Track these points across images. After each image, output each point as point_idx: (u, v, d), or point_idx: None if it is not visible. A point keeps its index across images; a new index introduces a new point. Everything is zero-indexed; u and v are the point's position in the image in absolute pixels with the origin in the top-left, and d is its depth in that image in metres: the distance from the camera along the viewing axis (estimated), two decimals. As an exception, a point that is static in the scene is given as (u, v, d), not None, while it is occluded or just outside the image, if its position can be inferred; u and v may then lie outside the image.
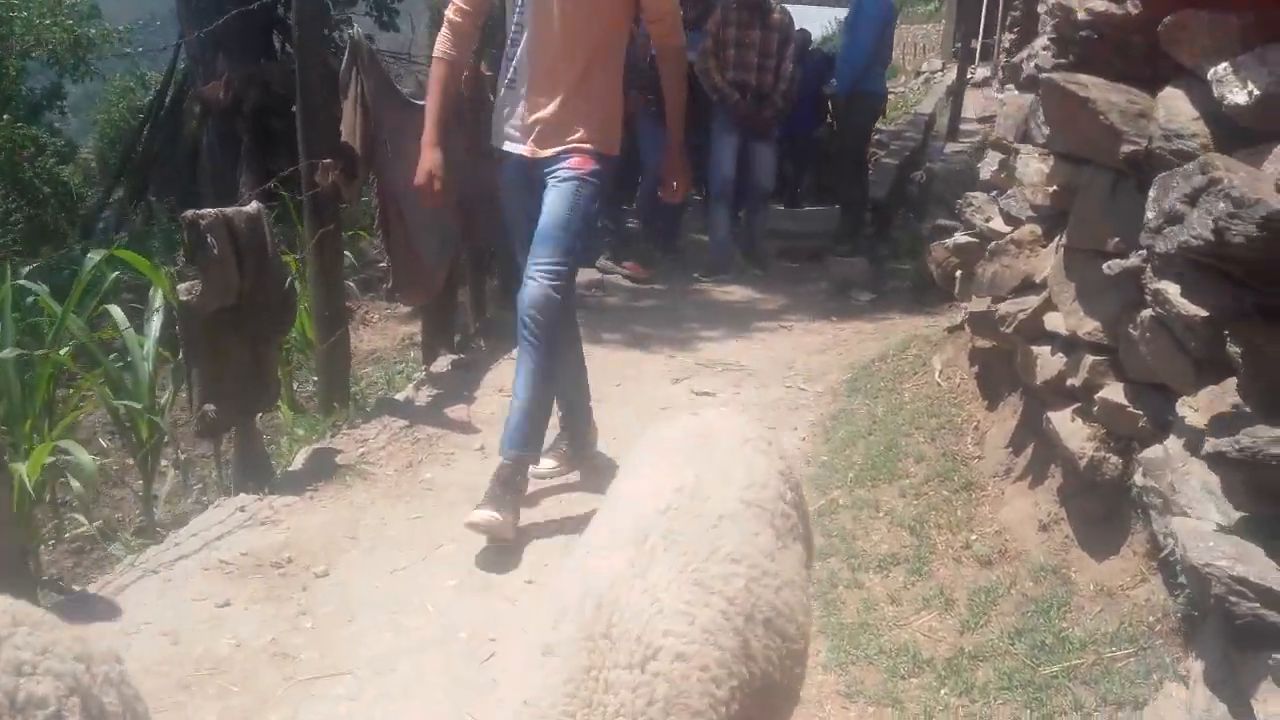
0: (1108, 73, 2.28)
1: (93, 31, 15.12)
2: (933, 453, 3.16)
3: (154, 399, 3.80)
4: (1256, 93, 1.77)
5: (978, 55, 17.46)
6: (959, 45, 18.60)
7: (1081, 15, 2.29)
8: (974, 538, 2.68)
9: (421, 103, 4.26)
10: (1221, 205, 1.27)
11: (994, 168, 3.35)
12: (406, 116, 4.12)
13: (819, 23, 36.32)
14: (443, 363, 4.49)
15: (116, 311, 3.76)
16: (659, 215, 6.52)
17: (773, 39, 6.05)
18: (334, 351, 3.83)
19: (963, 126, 11.95)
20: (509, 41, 3.05)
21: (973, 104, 13.32)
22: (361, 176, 3.84)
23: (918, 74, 20.63)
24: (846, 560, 2.63)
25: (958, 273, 3.90)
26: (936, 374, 3.78)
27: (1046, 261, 2.69)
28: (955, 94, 12.49)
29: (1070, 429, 2.43)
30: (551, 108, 2.95)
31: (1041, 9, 3.28)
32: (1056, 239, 2.65)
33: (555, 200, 2.91)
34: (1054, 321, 2.54)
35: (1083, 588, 2.24)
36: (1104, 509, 2.40)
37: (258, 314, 3.21)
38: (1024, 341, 2.77)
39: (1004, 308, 2.83)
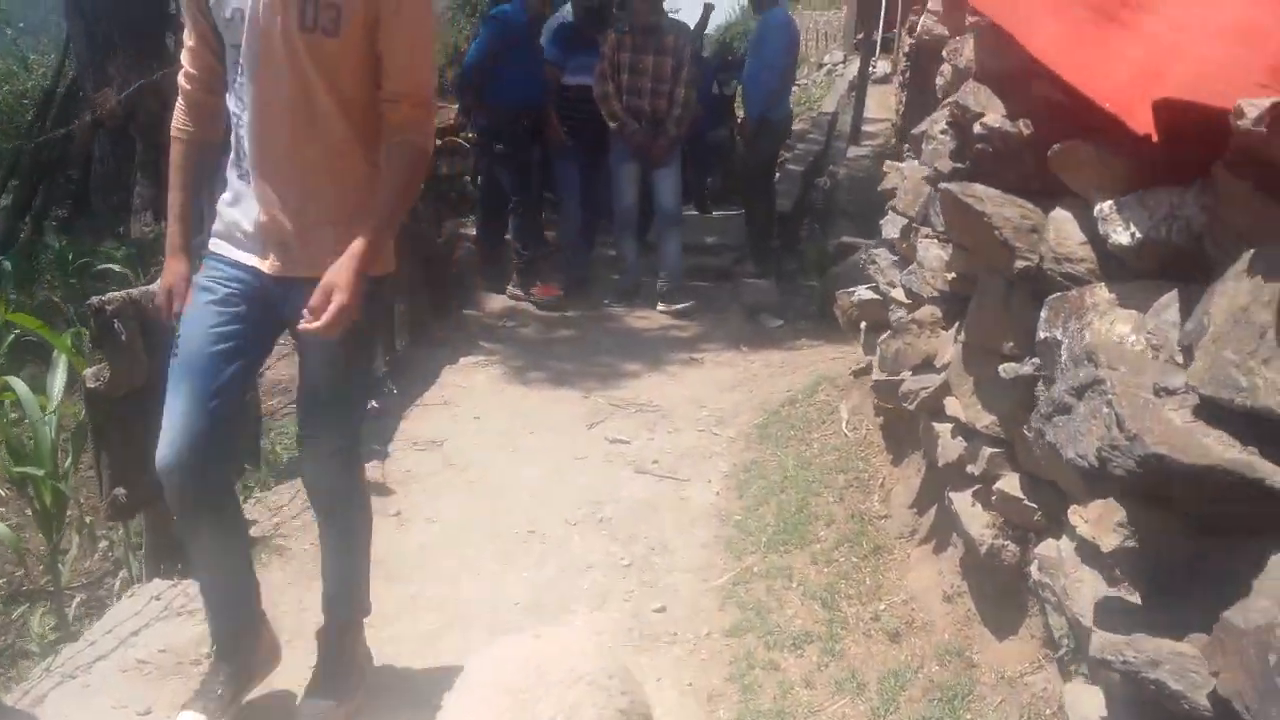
0: (1002, 182, 2.39)
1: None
2: (841, 513, 3.28)
3: (57, 464, 3.72)
4: (1138, 236, 1.88)
5: (878, 47, 17.80)
6: (860, 37, 18.95)
7: (977, 129, 2.39)
8: (883, 608, 2.81)
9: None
10: (1106, 411, 1.36)
11: (895, 233, 3.47)
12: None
13: (724, 6, 36.49)
14: (356, 410, 4.45)
15: (18, 385, 3.66)
16: (579, 246, 6.60)
17: (666, 64, 5.97)
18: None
19: (865, 128, 12.22)
20: (232, 122, 2.21)
21: (875, 101, 13.61)
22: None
23: (820, 66, 20.98)
24: (762, 638, 2.72)
25: (862, 324, 4.03)
26: (844, 423, 3.91)
27: (947, 346, 2.81)
28: (858, 92, 12.74)
29: (970, 513, 2.56)
30: (291, 211, 2.16)
31: (939, 79, 3.41)
32: (956, 325, 2.77)
33: (317, 362, 2.22)
34: (954, 407, 2.66)
35: (985, 672, 2.37)
36: (1004, 587, 2.54)
37: (168, 392, 3.16)
38: (927, 418, 2.89)
39: (907, 385, 2.95)
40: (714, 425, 4.37)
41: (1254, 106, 1.23)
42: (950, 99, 3.13)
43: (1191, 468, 1.21)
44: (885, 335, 3.13)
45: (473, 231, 8.45)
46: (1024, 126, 2.29)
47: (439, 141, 9.50)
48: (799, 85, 19.90)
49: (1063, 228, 2.15)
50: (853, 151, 11.10)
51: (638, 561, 3.23)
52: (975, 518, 2.55)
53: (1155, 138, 1.69)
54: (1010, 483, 2.41)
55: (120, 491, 3.04)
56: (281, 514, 3.53)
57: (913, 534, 3.12)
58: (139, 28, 9.59)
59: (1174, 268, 1.84)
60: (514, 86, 5.98)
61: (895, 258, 3.53)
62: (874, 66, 15.24)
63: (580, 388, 4.87)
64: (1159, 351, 1.68)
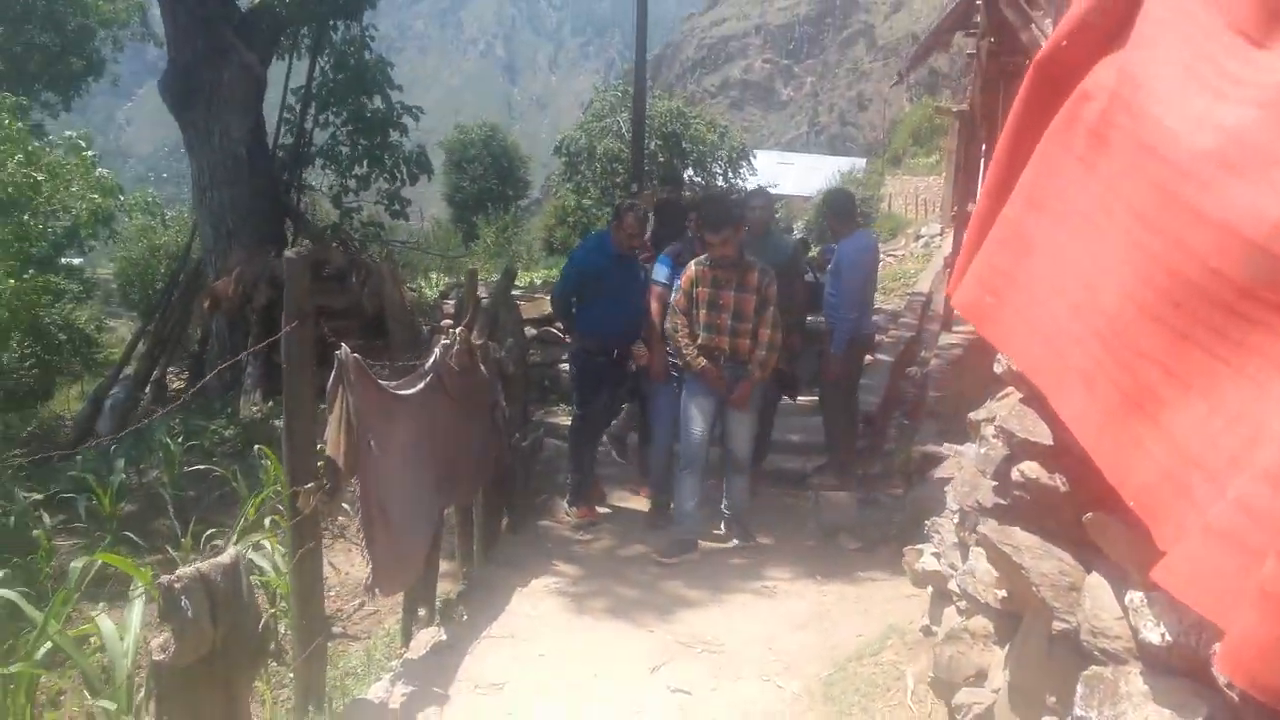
0: (1043, 528, 2.37)
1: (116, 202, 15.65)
2: (898, 817, 3.16)
3: (132, 697, 3.86)
4: (1168, 639, 1.84)
5: (976, 220, 17.86)
6: (956, 210, 19.09)
7: (1015, 475, 2.39)
8: None
9: (409, 391, 4.44)
10: None
11: (955, 515, 3.44)
12: (392, 412, 4.27)
13: (825, 172, 37.34)
14: (422, 641, 4.51)
15: (105, 624, 3.83)
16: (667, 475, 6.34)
17: (749, 301, 5.57)
18: (311, 660, 3.87)
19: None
20: None
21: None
22: (344, 489, 3.94)
23: (917, 237, 21.18)
24: None
25: (929, 587, 3.96)
26: (909, 694, 3.80)
27: (998, 668, 2.74)
28: (951, 269, 12.74)
29: None
30: None
31: (996, 365, 3.42)
32: (1007, 648, 2.71)
33: None
34: (1005, 739, 2.58)
35: None
36: None
37: (232, 659, 3.27)
38: (981, 735, 2.80)
39: (960, 697, 2.88)
40: (779, 673, 4.28)
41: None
42: (1007, 392, 3.14)
43: None
44: (940, 638, 3.07)
45: (565, 420, 8.65)
46: (1061, 483, 2.28)
47: (534, 331, 9.86)
48: (895, 256, 20.10)
49: (1099, 597, 2.11)
50: (944, 339, 11.04)
51: None
52: None
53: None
54: (1062, 841, 2.31)
55: (181, 760, 3.13)
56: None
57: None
58: (261, 218, 10.32)
59: (1207, 677, 1.79)
60: (598, 322, 6.13)
61: (955, 540, 3.48)
62: (971, 241, 15.28)
63: (647, 620, 4.85)
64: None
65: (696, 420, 5.75)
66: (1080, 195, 2.26)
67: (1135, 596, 1.91)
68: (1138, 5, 2.30)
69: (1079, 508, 2.21)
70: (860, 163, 43.14)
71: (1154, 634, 1.86)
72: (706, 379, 5.67)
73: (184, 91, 10.07)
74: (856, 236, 6.77)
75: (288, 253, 3.83)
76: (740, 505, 5.98)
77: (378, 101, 11.63)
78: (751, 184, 27.24)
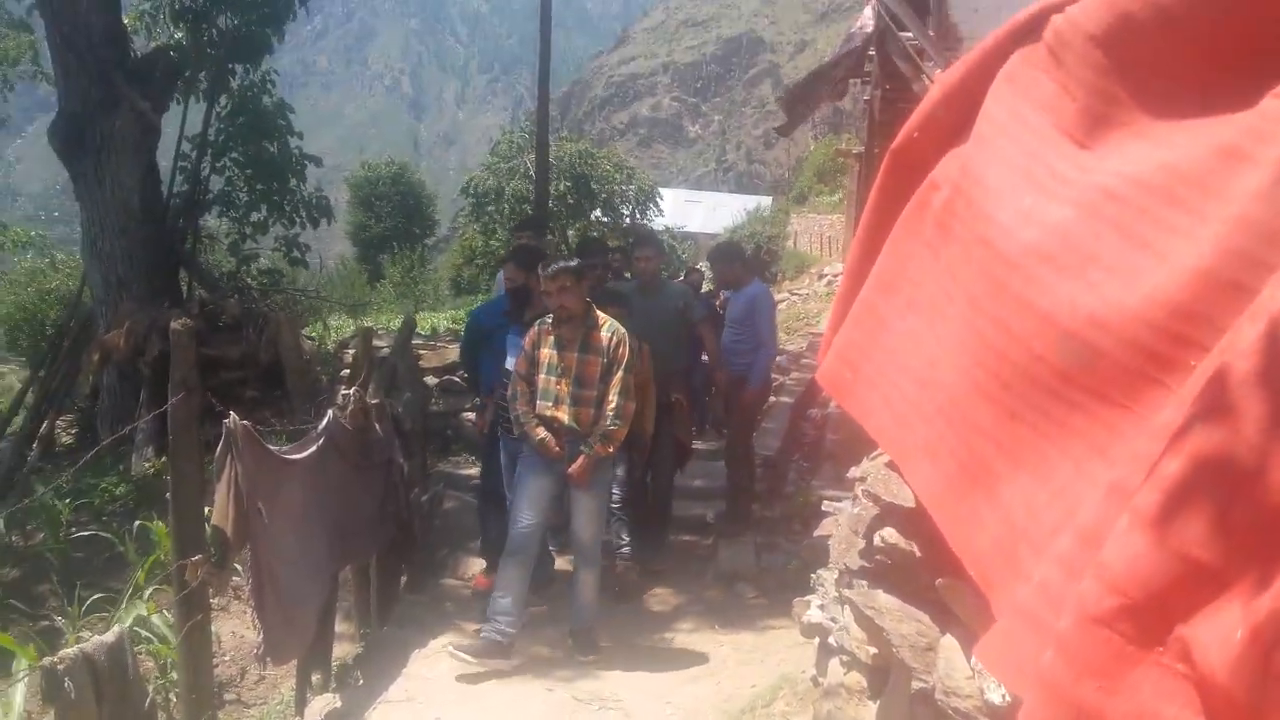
0: (903, 590, 2.49)
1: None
2: None
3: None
4: (1008, 699, 1.96)
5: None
6: (857, 250, 19.58)
7: (877, 540, 2.51)
8: None
9: (299, 456, 4.43)
10: None
11: (835, 576, 3.55)
12: (283, 477, 4.25)
13: (732, 210, 37.83)
14: (316, 709, 4.46)
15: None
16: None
17: (595, 365, 4.83)
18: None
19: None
20: None
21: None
22: (233, 559, 3.91)
23: (820, 276, 21.60)
24: None
25: (816, 639, 4.07)
26: (796, 747, 3.90)
27: (871, 722, 2.85)
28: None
29: None
30: None
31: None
32: (878, 702, 2.82)
33: None
34: (876, 796, 2.68)
35: None
36: None
37: (114, 739, 3.22)
38: (857, 790, 2.90)
39: (838, 752, 2.97)
40: (674, 732, 4.36)
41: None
42: (880, 452, 3.28)
43: None
44: (820, 693, 3.17)
45: (468, 471, 8.60)
46: (916, 549, 2.40)
47: (435, 380, 9.83)
48: (799, 295, 20.52)
49: (952, 658, 2.23)
50: (844, 380, 11.26)
51: None
52: None
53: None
54: None
55: None
56: None
57: None
58: (153, 268, 10.09)
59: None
60: (494, 381, 6.07)
61: (836, 594, 3.59)
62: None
63: (546, 678, 4.86)
64: None
65: (526, 505, 4.95)
66: (926, 279, 2.41)
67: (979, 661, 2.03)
68: (979, 104, 2.47)
69: (935, 571, 2.33)
70: (766, 201, 43.81)
71: (996, 695, 1.98)
72: (543, 451, 4.90)
73: (74, 140, 9.83)
74: (756, 283, 7.02)
75: (174, 324, 3.81)
76: (587, 611, 5.12)
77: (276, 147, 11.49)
78: (659, 223, 27.63)
